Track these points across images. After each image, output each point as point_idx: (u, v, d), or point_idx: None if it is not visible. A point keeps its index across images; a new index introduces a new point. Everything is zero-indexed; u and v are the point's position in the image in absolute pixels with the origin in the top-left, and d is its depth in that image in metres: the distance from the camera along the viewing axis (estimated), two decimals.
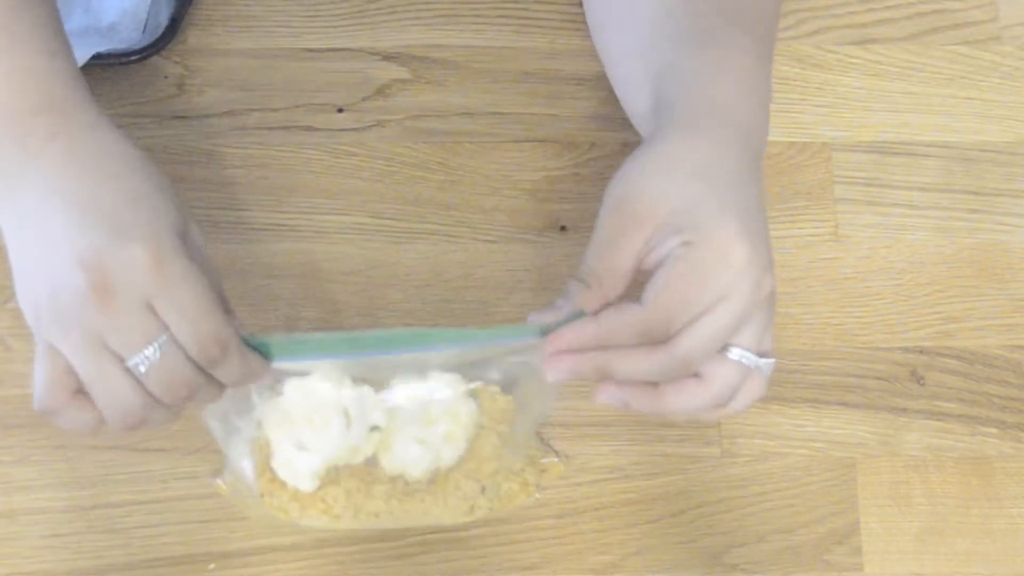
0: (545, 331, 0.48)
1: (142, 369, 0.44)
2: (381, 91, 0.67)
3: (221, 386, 0.48)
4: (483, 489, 0.57)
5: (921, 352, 0.64)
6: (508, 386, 0.56)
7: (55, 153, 0.45)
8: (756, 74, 0.54)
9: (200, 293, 0.45)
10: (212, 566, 0.59)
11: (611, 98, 0.67)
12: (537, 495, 0.60)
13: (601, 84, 0.67)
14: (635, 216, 0.47)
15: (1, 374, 0.61)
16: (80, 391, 0.46)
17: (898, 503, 0.62)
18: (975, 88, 0.69)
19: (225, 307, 0.47)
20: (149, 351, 0.44)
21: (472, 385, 0.54)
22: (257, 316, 0.62)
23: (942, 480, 0.63)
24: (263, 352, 0.48)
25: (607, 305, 0.48)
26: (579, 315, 0.47)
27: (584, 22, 0.68)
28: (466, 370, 0.55)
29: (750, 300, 0.47)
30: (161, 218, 0.45)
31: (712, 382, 0.48)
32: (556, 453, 0.61)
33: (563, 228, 0.65)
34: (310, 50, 0.67)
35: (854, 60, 0.69)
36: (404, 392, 0.54)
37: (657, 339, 0.47)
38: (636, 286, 0.48)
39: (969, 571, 0.61)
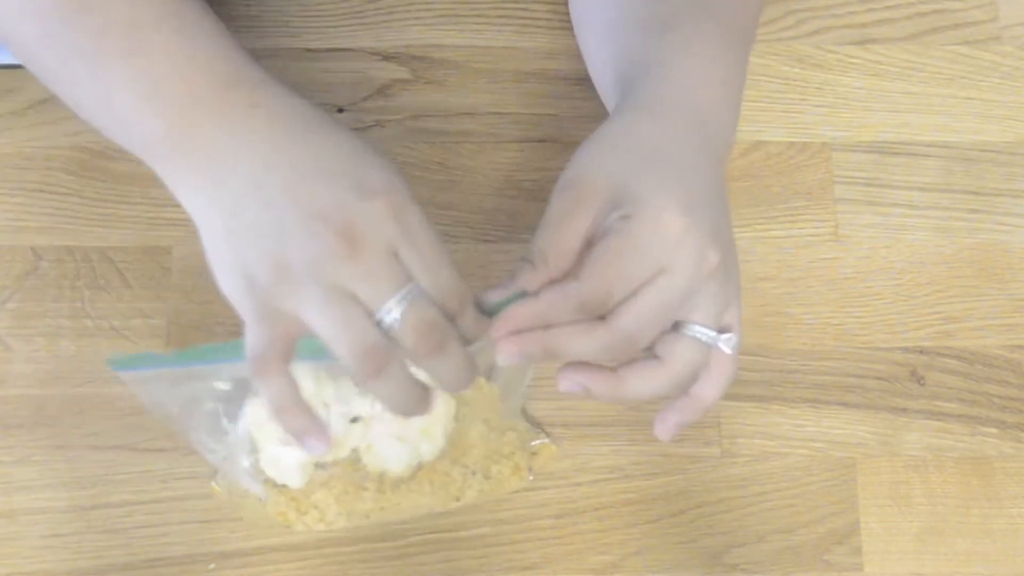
0: (492, 310, 0.47)
1: (395, 315, 0.44)
2: (381, 91, 0.67)
3: (467, 351, 0.47)
4: (473, 473, 0.58)
5: (921, 352, 0.64)
6: (489, 371, 0.56)
7: (262, 120, 0.45)
8: (719, 61, 0.53)
9: (438, 245, 0.45)
10: (212, 566, 0.59)
11: None
12: (531, 478, 0.60)
13: None
14: (580, 195, 0.47)
15: (1, 374, 0.61)
16: (288, 361, 0.46)
17: (898, 503, 0.62)
18: (975, 88, 0.69)
19: None
20: (399, 298, 0.44)
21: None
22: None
23: (942, 480, 0.63)
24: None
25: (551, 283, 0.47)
26: (523, 294, 0.47)
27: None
28: None
29: (691, 273, 0.47)
30: (391, 171, 0.46)
31: (671, 362, 0.48)
32: (547, 434, 0.61)
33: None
34: (310, 50, 0.67)
35: (854, 60, 0.69)
36: None
37: (595, 313, 0.46)
38: None
39: (969, 571, 0.61)
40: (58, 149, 0.65)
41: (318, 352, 0.46)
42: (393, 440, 0.56)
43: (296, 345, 0.46)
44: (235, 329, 0.62)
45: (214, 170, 0.45)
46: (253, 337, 0.45)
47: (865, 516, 0.62)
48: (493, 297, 0.47)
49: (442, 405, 0.56)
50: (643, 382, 0.49)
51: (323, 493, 0.57)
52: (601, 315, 0.47)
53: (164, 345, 0.62)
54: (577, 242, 0.47)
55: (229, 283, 0.46)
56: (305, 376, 0.52)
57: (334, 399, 0.53)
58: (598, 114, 0.67)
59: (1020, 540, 0.62)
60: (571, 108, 0.67)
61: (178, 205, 0.65)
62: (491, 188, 0.66)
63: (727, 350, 0.49)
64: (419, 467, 0.57)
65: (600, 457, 0.62)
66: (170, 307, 0.63)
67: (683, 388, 0.50)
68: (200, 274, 0.63)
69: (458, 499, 0.58)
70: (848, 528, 0.61)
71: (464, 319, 0.46)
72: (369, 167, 0.45)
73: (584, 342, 0.47)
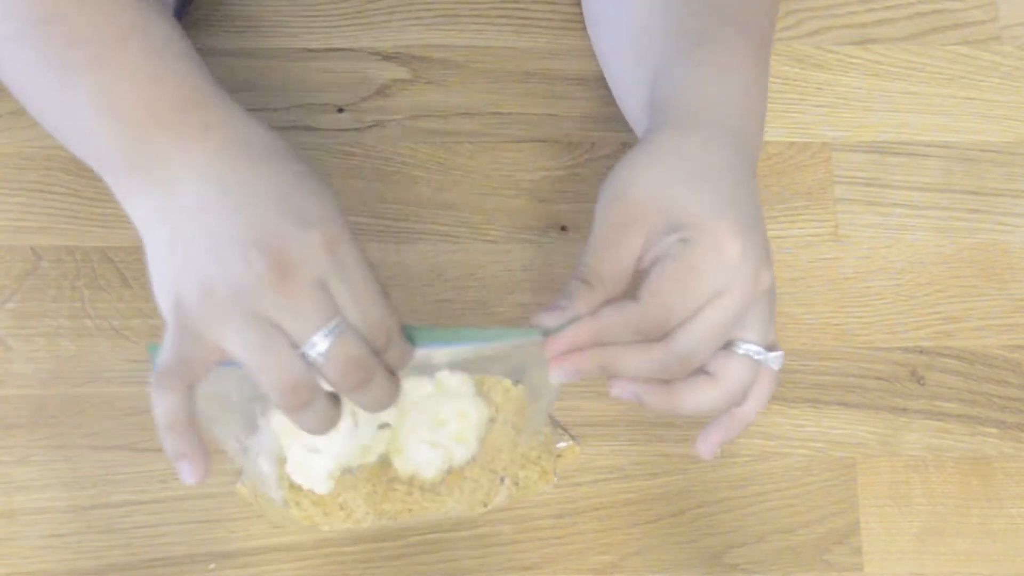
0: (547, 332, 0.48)
1: (320, 349, 0.44)
2: (381, 91, 0.67)
3: (392, 378, 0.47)
4: (502, 480, 0.58)
5: (921, 352, 0.64)
6: (516, 374, 0.56)
7: (214, 144, 0.45)
8: (748, 75, 0.54)
9: (370, 277, 0.46)
10: (212, 566, 0.59)
11: (611, 98, 0.67)
12: (556, 480, 0.60)
13: (601, 84, 0.67)
14: (629, 216, 0.48)
15: (1, 374, 0.61)
16: (192, 385, 0.46)
17: (898, 503, 0.62)
18: (975, 88, 0.69)
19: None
20: (325, 332, 0.44)
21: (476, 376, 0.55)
22: None
23: (942, 480, 0.63)
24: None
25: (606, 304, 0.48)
26: (578, 317, 0.48)
27: (584, 22, 0.68)
28: (471, 365, 0.55)
29: (748, 294, 0.47)
30: (330, 202, 0.46)
31: (723, 379, 0.49)
32: (571, 436, 0.61)
33: (563, 228, 0.65)
34: (310, 50, 0.67)
35: (854, 60, 0.69)
36: (413, 391, 0.55)
37: (652, 336, 0.47)
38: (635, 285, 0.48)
39: (969, 571, 0.61)
40: (58, 149, 0.65)
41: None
42: (426, 446, 0.56)
43: (208, 373, 0.46)
44: None
45: (161, 191, 0.46)
46: (166, 353, 0.46)
47: (865, 516, 0.62)
48: (549, 321, 0.48)
49: (476, 412, 0.56)
50: (696, 397, 0.49)
51: (351, 493, 0.57)
52: (658, 337, 0.47)
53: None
54: (630, 262, 0.48)
55: (162, 300, 0.46)
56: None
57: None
58: (598, 114, 0.67)
59: (1020, 540, 0.62)
60: (571, 108, 0.67)
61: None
62: (491, 188, 0.66)
63: (776, 367, 0.50)
64: (449, 471, 0.57)
65: (600, 457, 0.62)
66: None
67: (734, 404, 0.50)
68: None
69: (486, 504, 0.58)
70: (848, 528, 0.61)
71: (391, 351, 0.46)
72: (310, 197, 0.45)
73: (641, 361, 0.48)
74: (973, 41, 0.70)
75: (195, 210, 0.45)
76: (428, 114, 0.67)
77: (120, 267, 0.63)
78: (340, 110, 0.66)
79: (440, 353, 0.53)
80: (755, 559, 0.61)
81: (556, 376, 0.48)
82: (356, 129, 0.66)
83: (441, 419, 0.56)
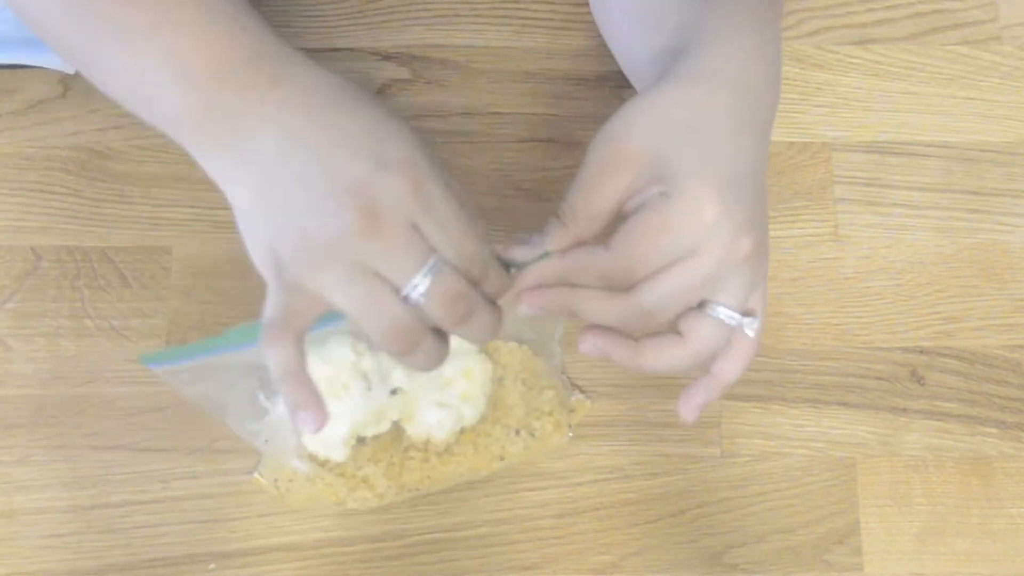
0: (519, 266, 0.48)
1: (421, 290, 0.44)
2: (381, 91, 0.67)
3: (494, 307, 0.47)
4: (516, 432, 0.58)
5: (921, 352, 0.64)
6: (517, 336, 0.57)
7: (284, 95, 0.45)
8: (762, 37, 0.53)
9: (459, 213, 0.45)
10: (212, 566, 0.59)
11: (611, 98, 0.67)
12: (570, 434, 0.60)
13: (601, 84, 0.67)
14: (619, 158, 0.47)
15: (1, 374, 0.61)
16: (301, 335, 0.46)
17: (898, 503, 0.62)
18: (975, 88, 0.69)
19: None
20: (423, 272, 0.44)
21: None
22: (255, 315, 0.61)
23: (942, 480, 0.63)
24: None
25: (578, 243, 0.48)
26: (548, 255, 0.48)
27: (584, 22, 0.68)
28: None
29: (722, 258, 0.47)
30: (411, 142, 0.45)
31: (691, 339, 0.48)
32: (582, 391, 0.61)
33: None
34: (310, 50, 0.67)
35: (854, 60, 0.69)
36: None
37: (617, 286, 0.47)
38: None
39: (969, 571, 0.61)
40: (58, 149, 0.65)
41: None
42: (434, 407, 0.56)
43: (317, 319, 0.46)
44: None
45: (239, 147, 0.45)
46: (271, 307, 0.45)
47: (865, 516, 0.62)
48: (519, 255, 0.47)
49: (480, 369, 0.56)
50: (662, 355, 0.49)
51: (371, 468, 0.57)
52: (624, 287, 0.47)
53: (164, 345, 0.62)
54: (610, 205, 0.47)
55: (257, 257, 0.46)
56: (344, 347, 0.52)
57: (373, 371, 0.53)
58: (598, 114, 0.67)
59: (1020, 540, 0.62)
60: (571, 108, 0.67)
61: (178, 205, 0.65)
62: (491, 188, 0.66)
63: (750, 334, 0.50)
64: (462, 432, 0.58)
65: (600, 457, 0.62)
66: (170, 307, 0.63)
67: (700, 366, 0.50)
68: (200, 274, 0.63)
69: (502, 458, 0.59)
70: (848, 528, 0.61)
71: (488, 282, 0.46)
72: (389, 141, 0.45)
73: (604, 308, 0.47)
74: (973, 41, 0.70)
75: (275, 163, 0.45)
76: (428, 114, 0.67)
77: (120, 267, 0.63)
78: None
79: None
80: (755, 559, 0.61)
81: (524, 310, 0.48)
82: None
83: (447, 379, 0.56)
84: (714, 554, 0.61)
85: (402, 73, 0.67)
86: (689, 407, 0.52)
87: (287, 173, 0.44)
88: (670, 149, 0.47)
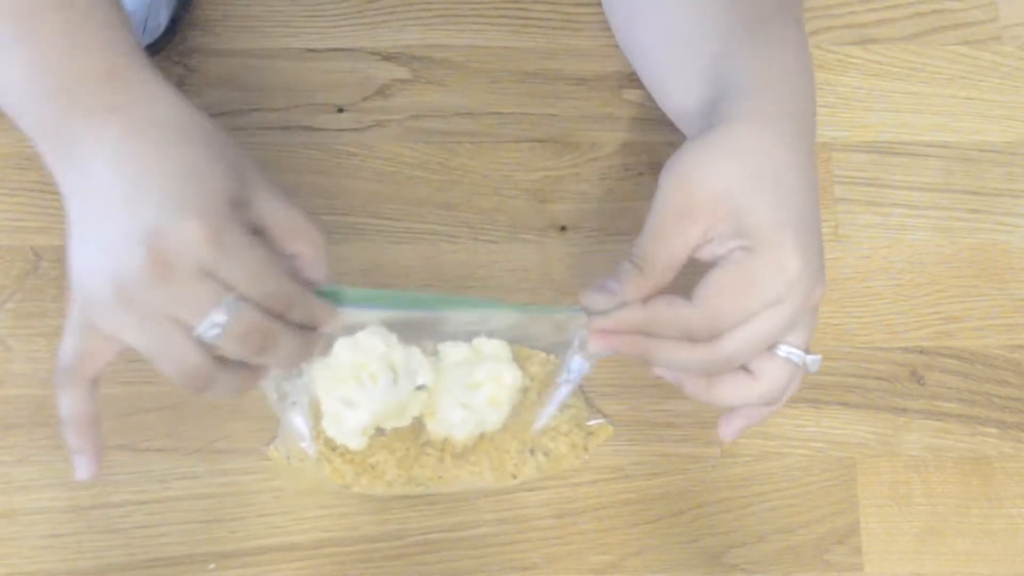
0: (589, 312, 0.48)
1: (215, 332, 0.45)
2: (381, 91, 0.67)
3: (300, 333, 0.47)
4: (531, 451, 0.58)
5: (921, 352, 0.64)
6: (550, 345, 0.57)
7: (116, 126, 0.45)
8: (805, 63, 0.53)
9: (259, 257, 0.45)
10: (212, 566, 0.59)
11: (611, 98, 0.67)
12: (586, 457, 0.60)
13: (601, 84, 0.67)
14: (694, 207, 0.47)
15: (1, 374, 0.61)
16: (94, 379, 0.47)
17: (898, 503, 0.62)
18: (975, 88, 0.69)
19: (315, 244, 0.48)
20: (218, 313, 0.44)
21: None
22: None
23: (942, 480, 0.63)
24: (336, 298, 0.49)
25: (655, 291, 0.48)
26: (625, 304, 0.48)
27: (584, 22, 0.68)
28: (509, 334, 0.56)
29: (800, 308, 0.48)
30: (217, 190, 0.45)
31: (763, 379, 0.49)
32: (604, 416, 0.61)
33: (563, 228, 0.65)
34: (310, 50, 0.67)
35: (854, 60, 0.69)
36: (451, 355, 0.55)
37: (699, 339, 0.47)
38: (681, 274, 0.49)
39: (969, 571, 0.61)
40: None
41: (366, 299, 0.48)
42: (459, 407, 0.56)
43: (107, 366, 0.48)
44: None
45: (76, 169, 0.45)
46: (65, 348, 0.46)
47: (865, 516, 0.62)
48: (596, 304, 0.48)
49: (511, 376, 0.56)
50: (734, 392, 0.50)
51: (384, 454, 0.57)
52: (705, 339, 0.48)
53: None
54: (686, 252, 0.48)
55: (75, 275, 0.46)
56: (375, 337, 0.52)
57: (402, 364, 0.54)
58: (597, 114, 0.67)
59: (1020, 540, 0.62)
60: (571, 108, 0.67)
61: None
62: (491, 188, 0.66)
63: (813, 370, 0.50)
64: (481, 437, 0.58)
65: (600, 457, 0.62)
66: None
67: (769, 403, 0.51)
68: None
69: (515, 476, 0.59)
70: (848, 528, 0.61)
71: (296, 312, 0.47)
72: (200, 184, 0.45)
73: (685, 358, 0.48)
74: (973, 41, 0.70)
75: (98, 193, 0.45)
76: (428, 114, 0.67)
77: None
78: (340, 110, 0.66)
79: (464, 319, 0.55)
80: (755, 559, 0.61)
81: (595, 347, 0.49)
82: (356, 129, 0.66)
83: (476, 382, 0.56)
84: (714, 554, 0.61)
85: (402, 73, 0.67)
86: (731, 430, 0.53)
87: (101, 206, 0.45)
88: (746, 198, 0.47)
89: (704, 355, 0.48)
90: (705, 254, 0.48)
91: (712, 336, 0.47)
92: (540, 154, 0.66)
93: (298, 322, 0.47)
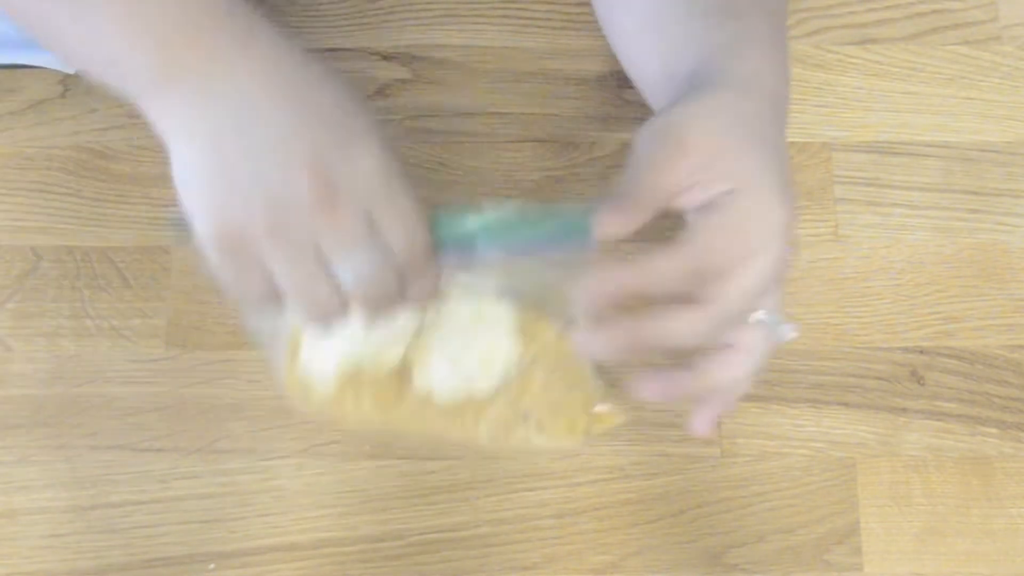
0: (575, 222, 0.47)
1: (350, 274, 0.44)
2: (381, 91, 0.67)
3: (405, 300, 0.47)
4: (525, 418, 0.56)
5: (921, 352, 0.64)
6: (568, 321, 0.54)
7: (253, 63, 0.45)
8: (776, 46, 0.54)
9: (417, 206, 0.45)
10: (212, 566, 0.59)
11: (611, 98, 0.67)
12: (583, 441, 0.58)
13: (601, 84, 0.67)
14: (681, 144, 0.46)
15: (1, 374, 0.61)
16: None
17: (898, 503, 0.62)
18: (975, 88, 0.69)
19: None
20: (361, 256, 0.44)
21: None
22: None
23: (942, 480, 0.63)
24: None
25: (644, 221, 0.46)
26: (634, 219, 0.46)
27: (584, 22, 0.68)
28: (526, 296, 0.54)
29: (780, 260, 0.47)
30: (379, 129, 0.45)
31: (745, 348, 0.48)
32: (615, 402, 0.59)
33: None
34: (310, 50, 0.67)
35: (854, 60, 0.69)
36: (453, 311, 0.54)
37: (704, 283, 0.46)
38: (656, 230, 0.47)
39: (969, 571, 0.61)
40: (58, 149, 0.65)
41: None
42: (447, 361, 0.55)
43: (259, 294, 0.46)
44: (236, 329, 0.63)
45: (200, 106, 0.45)
46: (226, 284, 0.46)
47: (865, 516, 0.62)
48: (612, 227, 0.46)
49: (507, 344, 0.55)
50: (727, 370, 0.49)
51: (364, 387, 0.55)
52: (692, 299, 0.46)
53: (164, 345, 0.62)
54: (670, 190, 0.46)
55: (198, 211, 0.45)
56: None
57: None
58: (597, 114, 0.67)
59: (1020, 540, 0.62)
60: (571, 108, 0.67)
61: (178, 205, 0.65)
62: (491, 188, 0.66)
63: (789, 338, 0.50)
64: (467, 401, 0.56)
65: (600, 457, 0.62)
66: (170, 307, 0.63)
67: (755, 374, 0.50)
68: (200, 274, 0.63)
69: (504, 439, 0.56)
70: (848, 528, 0.61)
71: (424, 280, 0.47)
72: (366, 122, 0.45)
73: (691, 322, 0.46)
74: (973, 41, 0.70)
75: (237, 127, 0.44)
76: (428, 114, 0.67)
77: (120, 267, 0.63)
78: None
79: (490, 281, 0.53)
80: (755, 559, 0.61)
81: (586, 350, 0.48)
82: None
83: (470, 344, 0.55)
84: (714, 554, 0.61)
85: (402, 73, 0.67)
86: (704, 423, 0.51)
87: (247, 140, 0.44)
88: (733, 144, 0.47)
89: (711, 313, 0.46)
90: (688, 200, 0.47)
91: (704, 284, 0.46)
92: (540, 154, 0.66)
93: (418, 293, 0.47)
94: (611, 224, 0.46)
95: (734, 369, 0.49)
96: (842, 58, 0.69)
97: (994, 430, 0.63)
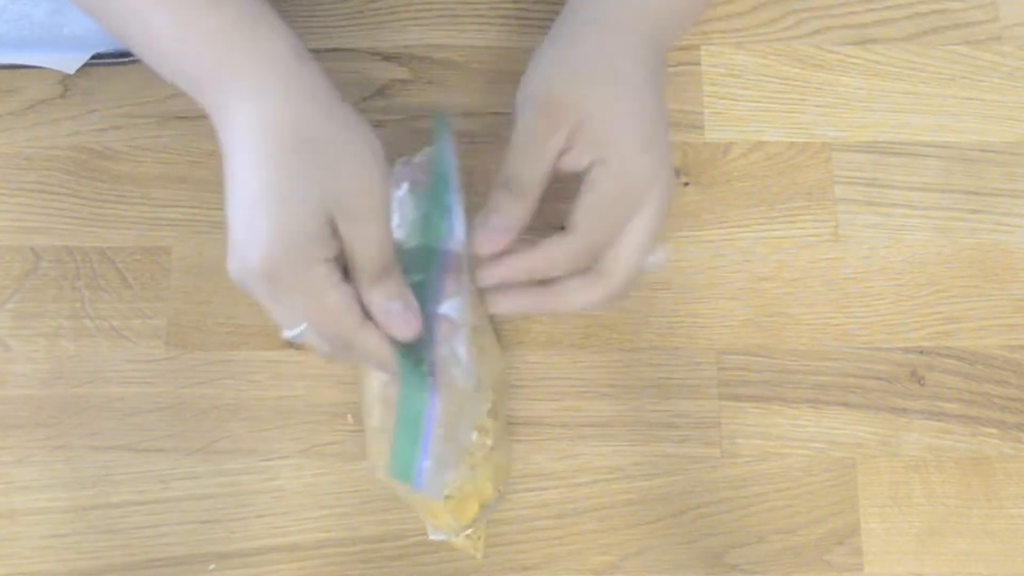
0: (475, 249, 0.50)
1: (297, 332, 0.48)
2: (381, 91, 0.67)
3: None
4: (472, 468, 0.56)
5: (921, 352, 0.64)
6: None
7: (303, 82, 0.51)
8: None
9: (321, 302, 0.48)
10: (212, 566, 0.59)
11: None
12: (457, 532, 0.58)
13: None
14: (553, 119, 0.50)
15: (1, 374, 0.61)
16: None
17: (898, 503, 0.62)
18: (975, 88, 0.69)
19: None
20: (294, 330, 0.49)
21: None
22: (256, 316, 0.61)
23: (942, 480, 0.63)
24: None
25: (533, 210, 0.50)
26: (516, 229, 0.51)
27: None
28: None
29: (663, 204, 0.50)
30: (315, 210, 0.48)
31: (613, 278, 0.51)
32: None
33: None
34: (310, 50, 0.67)
35: (854, 60, 0.69)
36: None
37: (590, 263, 0.50)
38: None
39: (969, 571, 0.61)
40: (58, 149, 0.65)
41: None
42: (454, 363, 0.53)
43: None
44: (236, 329, 0.63)
45: (248, 109, 0.48)
46: (283, 320, 0.49)
47: (865, 516, 0.62)
48: (487, 247, 0.50)
49: (495, 353, 0.56)
50: (583, 296, 0.51)
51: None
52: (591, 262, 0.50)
53: (164, 345, 0.62)
54: (549, 167, 0.50)
55: (243, 222, 0.48)
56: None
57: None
58: None
59: (1020, 540, 0.62)
60: None
61: (178, 205, 0.65)
62: (491, 188, 0.65)
63: (655, 266, 0.53)
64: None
65: (600, 457, 0.62)
66: (170, 307, 0.63)
67: (614, 302, 0.52)
68: (200, 274, 0.63)
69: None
70: (848, 528, 0.61)
71: (357, 352, 0.49)
72: (298, 201, 0.47)
73: (590, 294, 0.50)
74: (973, 41, 0.70)
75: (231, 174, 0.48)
76: (428, 114, 0.67)
77: (120, 267, 0.63)
78: None
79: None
80: (755, 559, 0.61)
81: (499, 308, 0.50)
82: None
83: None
84: (714, 554, 0.61)
85: (402, 73, 0.67)
86: (508, 304, 0.52)
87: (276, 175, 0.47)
88: (594, 106, 0.50)
89: (608, 285, 0.50)
90: (567, 164, 0.50)
91: (596, 257, 0.50)
92: None
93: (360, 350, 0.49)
94: (495, 242, 0.50)
95: (593, 295, 0.51)
96: (842, 58, 0.69)
97: (994, 430, 0.63)
